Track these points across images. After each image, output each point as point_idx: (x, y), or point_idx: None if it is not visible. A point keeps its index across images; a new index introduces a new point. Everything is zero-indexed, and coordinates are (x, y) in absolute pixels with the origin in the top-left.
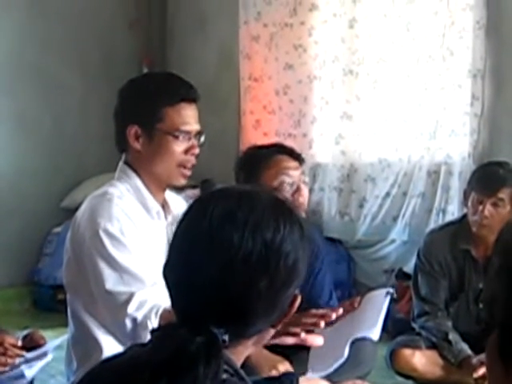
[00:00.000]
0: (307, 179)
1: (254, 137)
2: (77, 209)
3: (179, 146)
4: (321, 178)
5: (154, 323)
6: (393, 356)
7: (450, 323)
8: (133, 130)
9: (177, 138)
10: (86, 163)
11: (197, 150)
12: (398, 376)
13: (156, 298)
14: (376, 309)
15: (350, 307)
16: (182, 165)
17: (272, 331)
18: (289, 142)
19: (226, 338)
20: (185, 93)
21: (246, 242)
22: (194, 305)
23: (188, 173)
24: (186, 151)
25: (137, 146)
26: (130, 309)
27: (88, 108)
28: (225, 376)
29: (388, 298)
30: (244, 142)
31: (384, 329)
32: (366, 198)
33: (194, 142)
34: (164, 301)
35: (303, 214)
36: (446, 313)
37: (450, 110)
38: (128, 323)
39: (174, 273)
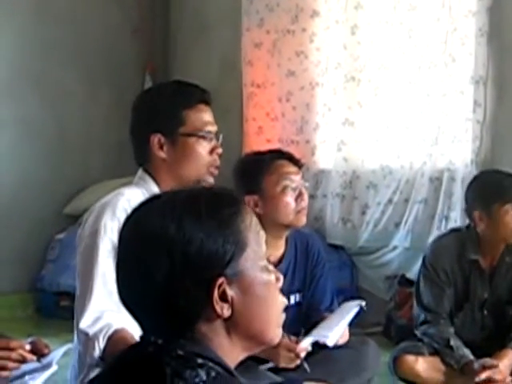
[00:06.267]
0: (307, 184)
1: (257, 143)
2: (80, 215)
3: (204, 147)
4: (323, 184)
5: (100, 344)
6: (396, 362)
7: (452, 329)
8: (156, 138)
9: (201, 138)
10: (89, 170)
11: (220, 150)
12: (401, 382)
13: (112, 316)
14: (340, 316)
15: None
16: (210, 165)
17: None
18: (291, 149)
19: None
20: (200, 95)
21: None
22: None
23: (216, 172)
24: (211, 152)
25: (162, 154)
26: (83, 323)
27: (91, 115)
28: (213, 374)
29: (356, 309)
30: (247, 149)
31: (387, 335)
32: (368, 204)
33: (216, 142)
34: (123, 320)
35: (305, 219)
36: (450, 322)
37: (452, 116)
38: (81, 336)
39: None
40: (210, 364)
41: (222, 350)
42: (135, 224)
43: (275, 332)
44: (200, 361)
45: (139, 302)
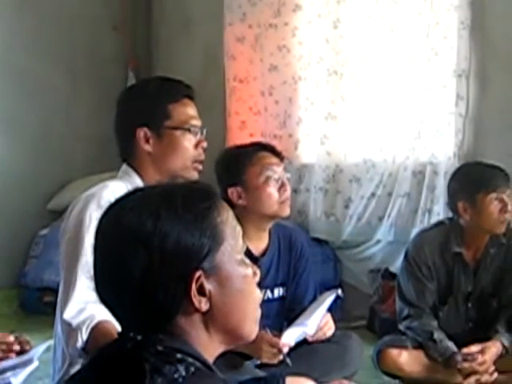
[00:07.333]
0: (289, 175)
1: (240, 138)
2: (63, 211)
3: (190, 141)
4: (306, 178)
5: (83, 336)
6: (379, 356)
7: (435, 323)
8: (142, 132)
9: (187, 131)
10: (73, 165)
11: (205, 144)
12: (384, 376)
13: (95, 308)
14: (317, 305)
15: None
16: (195, 160)
17: None
18: (274, 143)
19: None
20: (185, 90)
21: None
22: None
23: (200, 167)
24: (196, 145)
25: (147, 148)
26: (67, 314)
27: (74, 110)
28: (192, 369)
29: (333, 296)
30: (230, 143)
31: (371, 329)
32: (351, 198)
33: (201, 136)
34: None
35: (289, 209)
36: (433, 315)
37: (434, 110)
38: (64, 327)
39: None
40: (189, 359)
41: (200, 344)
42: (112, 220)
43: (252, 327)
44: (179, 356)
45: (117, 297)
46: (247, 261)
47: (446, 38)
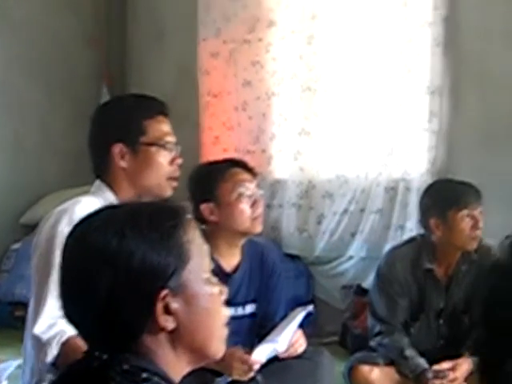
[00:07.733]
0: (261, 192)
1: (214, 153)
2: (36, 225)
3: (165, 157)
4: (279, 194)
5: (53, 351)
6: (351, 372)
7: (406, 339)
8: (117, 148)
9: (162, 147)
10: (46, 179)
11: (180, 160)
12: None
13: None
14: (287, 321)
15: None
16: (170, 176)
17: None
18: (248, 159)
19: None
20: (159, 107)
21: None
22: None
23: (175, 184)
24: (171, 162)
25: (122, 164)
26: (37, 329)
27: (49, 124)
28: None
29: (303, 313)
30: (203, 159)
31: (343, 345)
32: (324, 214)
33: (175, 152)
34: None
35: (261, 226)
36: (405, 332)
37: (407, 126)
38: (34, 341)
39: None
40: (155, 378)
41: (166, 363)
42: (78, 238)
43: (218, 345)
44: (145, 375)
45: (82, 315)
46: (214, 279)
47: (419, 55)
